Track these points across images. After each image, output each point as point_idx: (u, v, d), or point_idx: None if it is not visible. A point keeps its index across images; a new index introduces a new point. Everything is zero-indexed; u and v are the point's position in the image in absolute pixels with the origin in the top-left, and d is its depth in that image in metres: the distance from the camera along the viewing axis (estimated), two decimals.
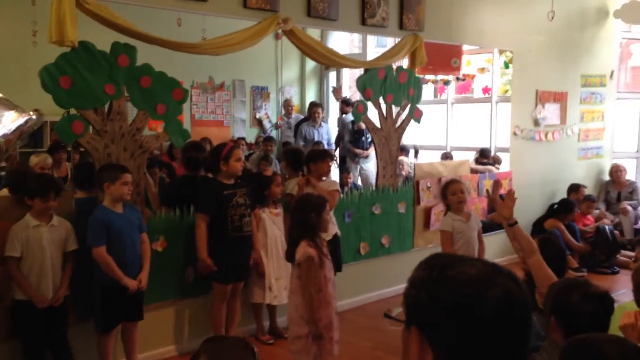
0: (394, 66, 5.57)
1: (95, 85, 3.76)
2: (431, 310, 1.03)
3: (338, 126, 8.81)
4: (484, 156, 7.15)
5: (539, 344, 2.38)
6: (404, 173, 6.98)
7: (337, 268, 4.73)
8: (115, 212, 3.67)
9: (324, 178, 4.77)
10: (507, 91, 7.52)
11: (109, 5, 3.76)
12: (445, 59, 7.02)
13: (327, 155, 4.82)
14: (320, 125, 8.52)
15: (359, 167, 8.52)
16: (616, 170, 7.74)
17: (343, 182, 7.90)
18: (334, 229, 4.68)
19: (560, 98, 7.28)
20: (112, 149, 3.89)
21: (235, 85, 9.22)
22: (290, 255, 3.27)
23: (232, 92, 9.20)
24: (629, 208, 7.37)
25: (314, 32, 6.35)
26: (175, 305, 4.34)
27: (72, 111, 3.85)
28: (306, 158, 4.82)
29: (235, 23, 4.53)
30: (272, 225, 4.60)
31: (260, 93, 9.59)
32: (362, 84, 5.34)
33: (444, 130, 8.73)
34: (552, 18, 6.11)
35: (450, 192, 4.19)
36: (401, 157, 6.75)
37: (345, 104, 8.38)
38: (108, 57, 3.83)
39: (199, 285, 4.30)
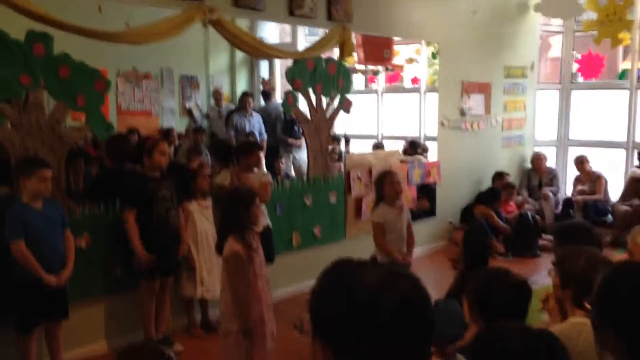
0: (323, 57, 5.57)
1: (9, 76, 3.57)
2: (331, 320, 1.03)
3: (261, 113, 8.75)
4: (413, 147, 7.29)
5: (462, 332, 2.45)
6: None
7: (269, 259, 4.73)
8: (33, 208, 3.51)
9: (255, 170, 4.73)
10: (435, 81, 7.68)
11: None
12: (377, 50, 7.10)
13: (255, 147, 4.79)
14: (251, 115, 8.44)
15: (291, 156, 8.51)
16: (537, 158, 8.07)
17: (275, 169, 7.89)
18: (265, 220, 4.66)
19: (484, 89, 7.50)
20: (29, 143, 3.71)
21: (164, 74, 8.98)
22: (219, 249, 3.22)
23: (160, 81, 8.95)
24: (550, 194, 7.72)
25: (243, 22, 6.26)
26: (104, 302, 4.23)
27: None
28: (235, 151, 4.76)
29: (162, 10, 4.39)
30: (201, 218, 4.53)
31: (190, 82, 9.39)
32: (291, 75, 5.32)
33: (374, 120, 8.84)
34: (475, 13, 6.27)
35: (388, 182, 4.21)
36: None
37: (264, 95, 8.39)
38: (22, 46, 3.64)
39: (127, 281, 4.19)
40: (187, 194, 4.45)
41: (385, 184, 4.23)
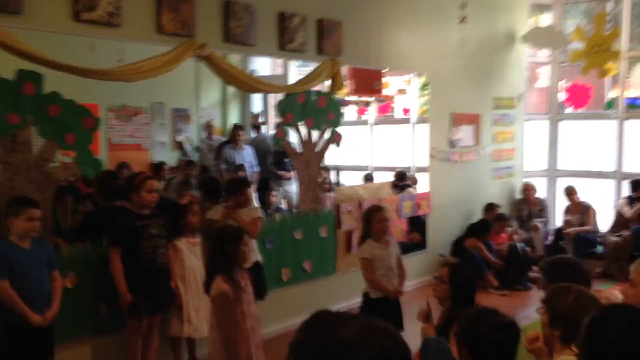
0: (314, 90, 5.62)
1: None
2: None
3: (251, 144, 8.77)
4: (401, 179, 7.30)
5: None
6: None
7: (261, 296, 4.69)
8: (20, 247, 3.47)
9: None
10: (425, 112, 7.75)
11: (14, 31, 3.59)
12: (367, 81, 7.15)
13: (243, 186, 4.78)
14: (242, 148, 8.46)
15: (282, 189, 8.51)
16: (527, 189, 8.11)
17: (267, 201, 7.87)
18: (254, 256, 4.63)
19: (473, 120, 7.57)
20: (16, 182, 3.68)
21: (154, 108, 9.01)
22: (207, 288, 3.20)
23: (151, 115, 8.98)
24: (540, 225, 7.73)
25: (234, 54, 6.31)
26: (90, 342, 4.14)
27: None
28: (224, 188, 4.76)
29: (153, 46, 4.43)
30: (189, 255, 4.48)
31: (181, 115, 9.42)
32: (281, 109, 5.35)
33: (366, 151, 8.88)
34: (463, 45, 6.35)
35: (377, 220, 4.19)
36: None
37: (253, 128, 8.47)
38: (12, 85, 3.64)
39: (114, 321, 4.12)
40: (176, 231, 4.42)
41: (373, 220, 4.21)
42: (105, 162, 8.06)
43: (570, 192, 7.73)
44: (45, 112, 3.80)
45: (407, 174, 7.64)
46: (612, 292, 3.15)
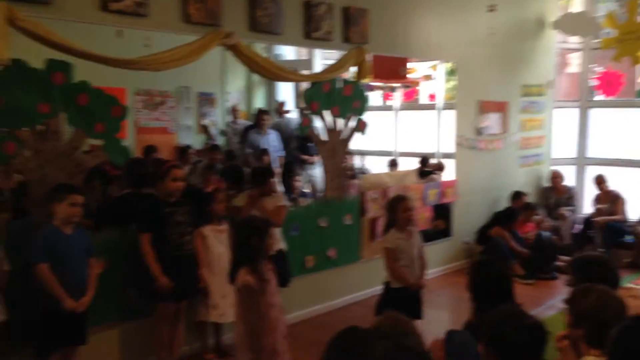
0: (340, 79, 5.59)
1: (28, 104, 3.62)
2: None
3: (275, 129, 8.78)
4: (424, 164, 7.25)
5: None
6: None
7: (285, 284, 4.73)
8: (64, 233, 3.57)
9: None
10: (451, 98, 7.66)
11: (43, 21, 3.63)
12: (393, 67, 7.09)
13: (268, 175, 4.80)
14: (266, 132, 8.48)
15: (305, 174, 8.52)
16: (555, 177, 8.00)
17: (291, 186, 7.90)
18: (278, 244, 4.66)
19: (501, 108, 7.46)
20: (47, 170, 3.75)
21: (180, 92, 9.07)
22: (232, 278, 3.23)
23: (177, 98, 9.04)
24: (567, 214, 7.63)
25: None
26: (118, 328, 4.23)
27: None
28: (250, 177, 4.79)
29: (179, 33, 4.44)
30: (216, 243, 4.53)
31: (207, 99, 9.46)
32: (307, 97, 5.34)
33: (391, 137, 8.83)
34: (492, 34, 6.25)
35: (402, 209, 4.17)
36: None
37: (279, 114, 8.51)
38: (42, 74, 3.69)
39: (142, 307, 4.20)
40: (203, 218, 4.47)
41: (398, 210, 4.20)
42: (132, 146, 8.18)
43: (600, 180, 7.61)
44: (75, 101, 3.85)
45: (432, 160, 7.59)
46: (639, 291, 3.10)
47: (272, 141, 8.50)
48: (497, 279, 3.02)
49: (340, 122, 5.65)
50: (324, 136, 5.58)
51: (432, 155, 7.73)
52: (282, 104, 9.11)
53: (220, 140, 9.39)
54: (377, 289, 5.30)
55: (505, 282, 3.04)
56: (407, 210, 4.18)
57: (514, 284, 3.04)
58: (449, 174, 7.24)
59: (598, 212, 7.45)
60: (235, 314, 3.21)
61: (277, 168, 8.18)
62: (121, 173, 5.50)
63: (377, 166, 8.69)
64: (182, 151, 8.29)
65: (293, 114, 9.09)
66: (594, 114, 8.44)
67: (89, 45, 3.88)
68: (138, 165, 4.56)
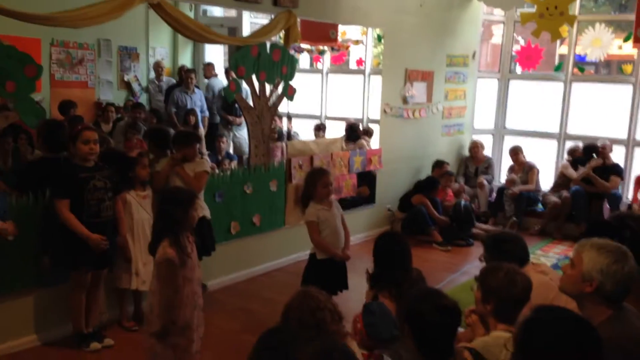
0: (268, 43, 5.49)
1: None
2: None
3: (205, 92, 8.59)
4: (353, 131, 7.32)
5: (395, 333, 2.54)
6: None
7: (207, 252, 4.70)
8: None
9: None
10: (379, 64, 7.70)
11: None
12: (323, 30, 7.03)
13: (193, 139, 4.70)
14: (193, 91, 8.27)
15: (231, 134, 8.41)
16: (475, 147, 8.27)
17: (217, 149, 7.77)
18: (202, 211, 4.60)
19: (427, 77, 7.58)
20: None
21: (101, 44, 8.64)
22: (152, 250, 3.17)
23: (97, 51, 8.62)
24: (485, 182, 7.94)
25: None
26: (32, 294, 4.09)
27: None
28: (172, 141, 4.67)
29: None
30: (139, 208, 4.43)
31: (129, 54, 9.08)
32: (234, 62, 5.22)
33: (318, 100, 8.82)
34: (421, 5, 6.28)
35: (322, 184, 4.19)
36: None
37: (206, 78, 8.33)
38: None
39: (58, 274, 4.07)
40: (126, 184, 4.34)
41: (318, 184, 4.20)
42: (47, 100, 7.77)
43: (515, 152, 7.93)
44: None
45: (362, 126, 7.66)
46: (547, 267, 3.30)
47: (198, 101, 8.31)
48: (401, 251, 3.21)
49: (268, 88, 5.57)
50: (251, 102, 5.49)
51: (360, 121, 7.81)
52: (211, 66, 8.86)
53: (142, 98, 9.08)
54: (300, 254, 5.39)
55: (407, 254, 3.31)
56: (326, 185, 4.20)
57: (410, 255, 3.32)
58: (375, 140, 7.34)
59: (508, 182, 7.77)
60: (150, 287, 3.15)
61: (201, 129, 8.03)
62: (36, 135, 5.24)
63: (304, 129, 8.69)
64: (103, 108, 7.96)
65: (221, 76, 8.90)
66: (514, 86, 8.73)
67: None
68: (53, 127, 4.32)
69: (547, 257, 6.60)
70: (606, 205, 7.24)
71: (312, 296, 2.40)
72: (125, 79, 9.05)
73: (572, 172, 7.50)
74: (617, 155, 7.61)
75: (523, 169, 7.81)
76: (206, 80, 8.89)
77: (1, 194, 3.57)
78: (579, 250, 2.34)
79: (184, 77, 8.42)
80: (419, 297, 2.34)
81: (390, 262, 3.23)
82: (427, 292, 2.38)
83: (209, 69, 8.81)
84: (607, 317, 2.25)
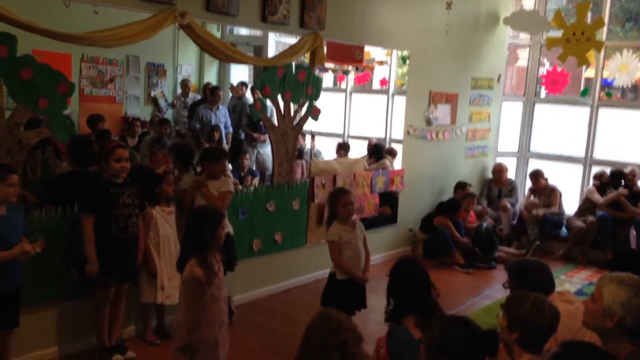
0: (294, 64, 5.55)
1: None
2: None
3: (229, 107, 8.68)
4: (377, 151, 7.33)
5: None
6: None
7: (230, 268, 4.73)
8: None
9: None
10: (403, 84, 7.72)
11: None
12: (349, 51, 7.08)
13: (221, 156, 4.76)
14: (217, 108, 8.36)
15: (255, 151, 8.48)
16: (499, 170, 8.22)
17: (240, 165, 7.84)
18: (226, 228, 4.63)
19: (451, 99, 7.58)
20: None
21: (130, 60, 8.81)
22: (180, 267, 3.21)
23: (126, 67, 8.79)
24: (509, 205, 7.88)
25: None
26: (57, 307, 4.15)
27: None
28: (200, 156, 4.73)
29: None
30: (164, 224, 4.49)
31: (156, 70, 9.24)
32: (260, 82, 5.28)
33: (341, 119, 8.86)
34: (448, 31, 6.31)
35: (341, 204, 4.20)
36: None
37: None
38: None
39: (83, 287, 4.12)
40: (151, 200, 4.40)
41: (338, 204, 4.21)
42: (76, 114, 7.93)
43: (535, 176, 7.84)
44: (18, 75, 3.70)
45: (385, 146, 7.67)
46: (573, 296, 3.26)
47: (222, 117, 8.40)
48: (418, 280, 3.13)
49: (293, 108, 5.63)
50: (276, 121, 5.55)
51: (383, 140, 7.83)
52: (237, 89, 8.91)
53: (168, 113, 9.22)
54: (321, 273, 5.39)
55: (427, 278, 3.18)
56: (347, 205, 4.20)
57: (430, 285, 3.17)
58: (397, 161, 7.34)
59: (531, 205, 7.68)
60: (179, 304, 3.19)
61: (226, 145, 8.11)
62: (65, 150, 5.34)
63: (326, 147, 8.73)
64: (129, 123, 8.10)
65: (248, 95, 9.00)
66: (539, 109, 8.69)
67: (34, 15, 3.71)
68: (83, 143, 4.40)
69: (572, 282, 6.51)
70: (633, 232, 7.12)
71: (333, 318, 2.41)
72: (152, 94, 9.20)
73: (597, 197, 7.41)
74: None
75: (545, 192, 7.73)
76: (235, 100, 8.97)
77: (19, 209, 3.62)
78: (599, 285, 2.33)
79: (208, 94, 8.52)
80: (448, 325, 2.32)
81: (412, 288, 3.17)
82: (458, 321, 2.35)
83: (235, 90, 8.88)
84: (630, 352, 2.22)
